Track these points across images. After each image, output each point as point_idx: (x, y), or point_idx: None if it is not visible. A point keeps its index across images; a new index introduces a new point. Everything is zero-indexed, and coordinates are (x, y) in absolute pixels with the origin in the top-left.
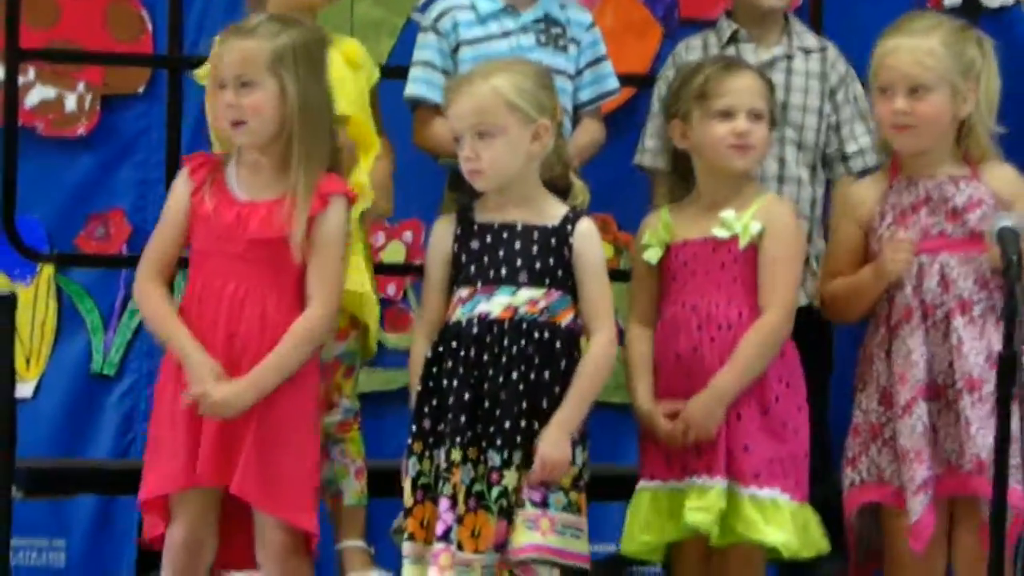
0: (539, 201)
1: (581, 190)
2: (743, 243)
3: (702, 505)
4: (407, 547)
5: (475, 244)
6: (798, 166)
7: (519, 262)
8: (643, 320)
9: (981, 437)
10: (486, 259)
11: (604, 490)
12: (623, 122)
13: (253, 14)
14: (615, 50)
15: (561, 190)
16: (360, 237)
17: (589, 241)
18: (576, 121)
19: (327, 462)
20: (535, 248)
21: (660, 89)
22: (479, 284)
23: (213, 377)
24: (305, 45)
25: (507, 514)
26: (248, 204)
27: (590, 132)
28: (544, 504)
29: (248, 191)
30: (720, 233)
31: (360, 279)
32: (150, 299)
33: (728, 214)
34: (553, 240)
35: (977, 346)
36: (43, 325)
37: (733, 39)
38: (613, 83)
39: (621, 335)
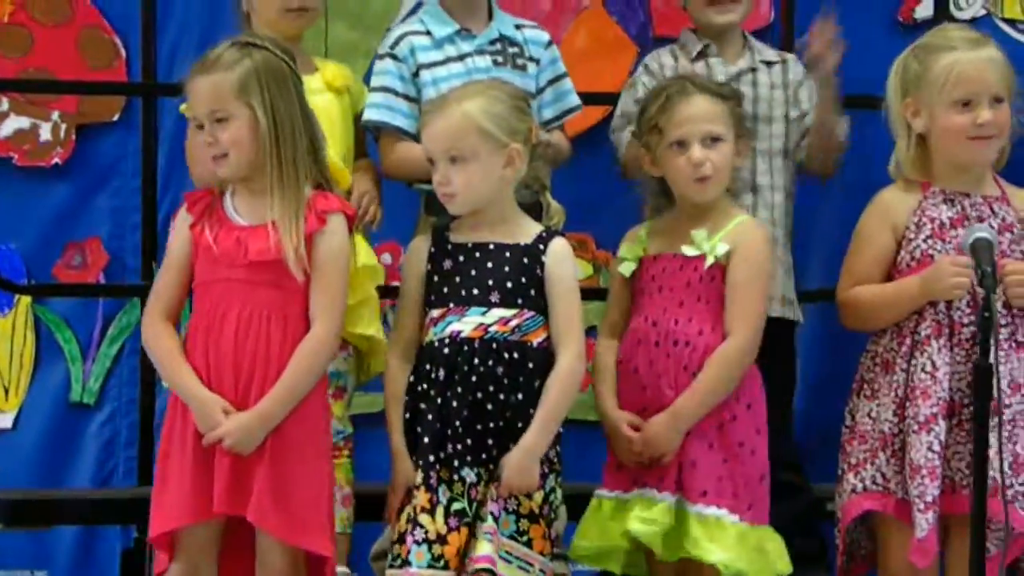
0: (514, 222)
1: (557, 211)
2: (708, 262)
3: (647, 517)
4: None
5: (448, 264)
6: (770, 175)
7: (491, 282)
8: (612, 332)
9: (997, 460)
10: (458, 279)
11: (581, 509)
12: (598, 140)
13: (223, 42)
14: (589, 69)
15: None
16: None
17: (561, 260)
18: None
19: None
20: (507, 267)
21: (625, 102)
22: (451, 304)
23: (220, 414)
24: (267, 65)
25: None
26: (247, 228)
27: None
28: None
29: (246, 216)
30: (688, 251)
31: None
32: (158, 340)
33: (699, 233)
34: (525, 259)
35: (1001, 370)
36: (21, 355)
37: (702, 54)
38: (574, 100)
39: None
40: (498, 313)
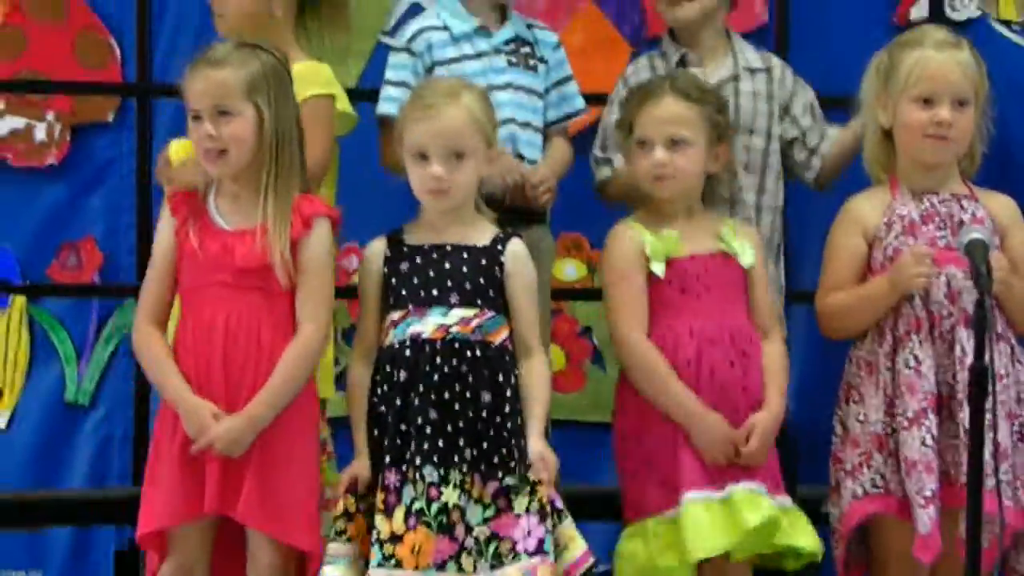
0: (471, 223)
1: (486, 214)
2: (747, 264)
3: (765, 506)
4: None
5: (405, 266)
6: (754, 192)
7: (450, 282)
8: (644, 329)
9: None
10: (416, 280)
11: (582, 510)
12: (591, 140)
13: (216, 43)
14: (583, 68)
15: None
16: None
17: (520, 261)
18: (545, 138)
19: None
20: (466, 268)
21: (605, 122)
22: (411, 306)
23: (210, 419)
24: (274, 69)
25: (447, 530)
26: (233, 233)
27: (560, 150)
28: (541, 551)
29: (231, 220)
30: (728, 249)
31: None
32: (147, 346)
33: (726, 232)
34: (484, 260)
35: None
36: (16, 356)
37: (681, 63)
38: (579, 103)
39: (597, 354)
40: (459, 313)
